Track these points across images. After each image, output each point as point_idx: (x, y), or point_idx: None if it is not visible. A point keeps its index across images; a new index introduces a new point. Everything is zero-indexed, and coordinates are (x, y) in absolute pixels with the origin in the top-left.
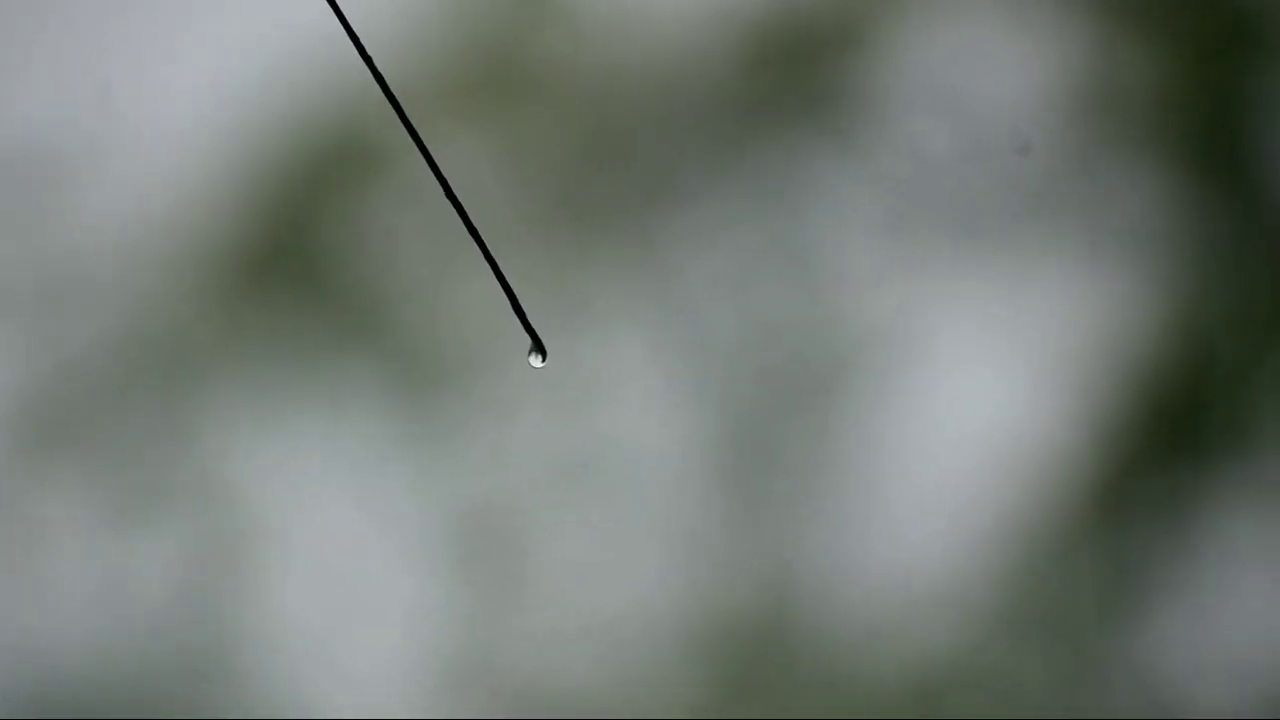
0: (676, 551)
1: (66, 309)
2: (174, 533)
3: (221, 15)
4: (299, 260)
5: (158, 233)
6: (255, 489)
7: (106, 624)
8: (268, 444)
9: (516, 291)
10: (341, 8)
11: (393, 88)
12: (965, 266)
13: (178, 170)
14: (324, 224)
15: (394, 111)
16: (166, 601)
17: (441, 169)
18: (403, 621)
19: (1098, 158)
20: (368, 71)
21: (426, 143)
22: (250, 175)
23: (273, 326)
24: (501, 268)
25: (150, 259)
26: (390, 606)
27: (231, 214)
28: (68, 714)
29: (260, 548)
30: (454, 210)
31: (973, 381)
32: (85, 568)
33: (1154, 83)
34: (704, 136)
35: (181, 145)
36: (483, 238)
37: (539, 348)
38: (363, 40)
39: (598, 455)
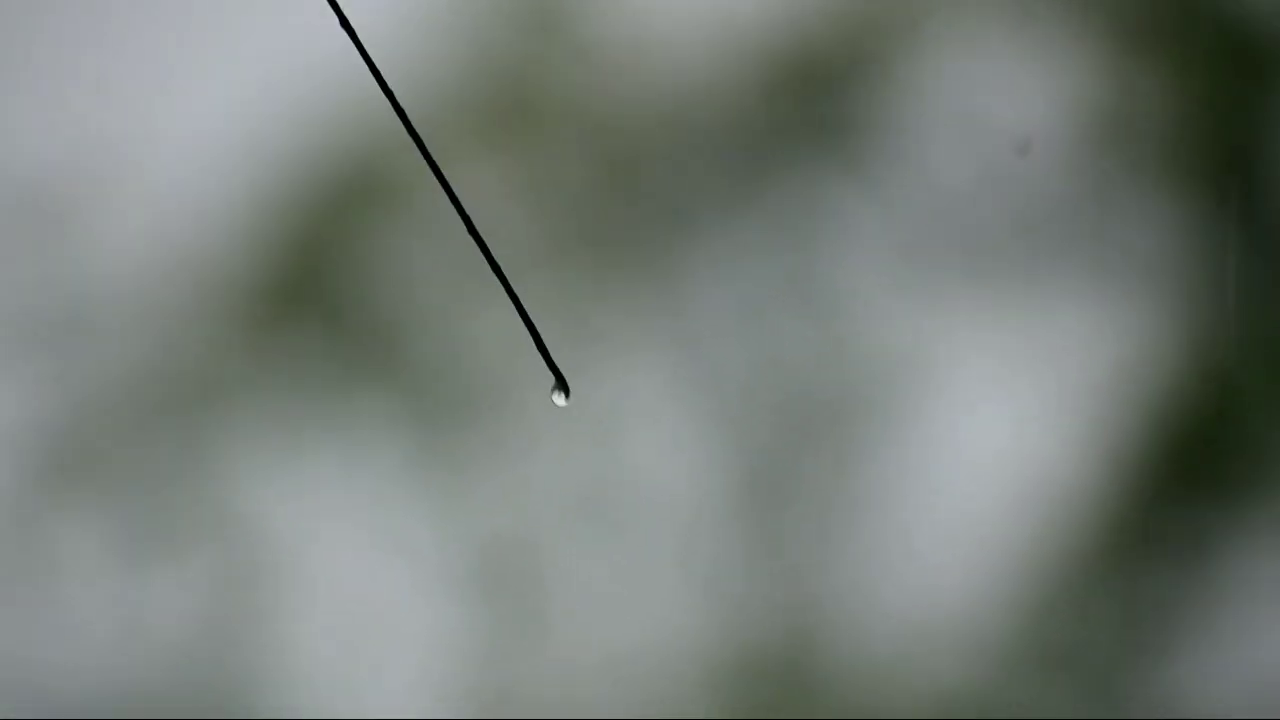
0: (695, 584)
1: (84, 341)
2: (192, 566)
3: (240, 46)
4: (317, 293)
5: (176, 265)
6: (274, 522)
7: (123, 658)
8: (286, 477)
9: (534, 325)
10: (362, 41)
11: (411, 118)
12: (981, 298)
13: (196, 202)
14: (342, 257)
15: (414, 144)
16: (184, 635)
17: (461, 201)
18: (421, 654)
19: (1114, 187)
20: (386, 104)
21: (445, 174)
22: (269, 207)
23: (291, 359)
24: (522, 302)
25: (168, 291)
26: (409, 639)
27: (250, 247)
28: None
29: (278, 581)
30: (473, 243)
31: (990, 414)
32: (103, 601)
33: (1170, 111)
34: (719, 167)
35: (199, 177)
36: (505, 274)
37: (562, 386)
38: (381, 71)
39: (616, 487)
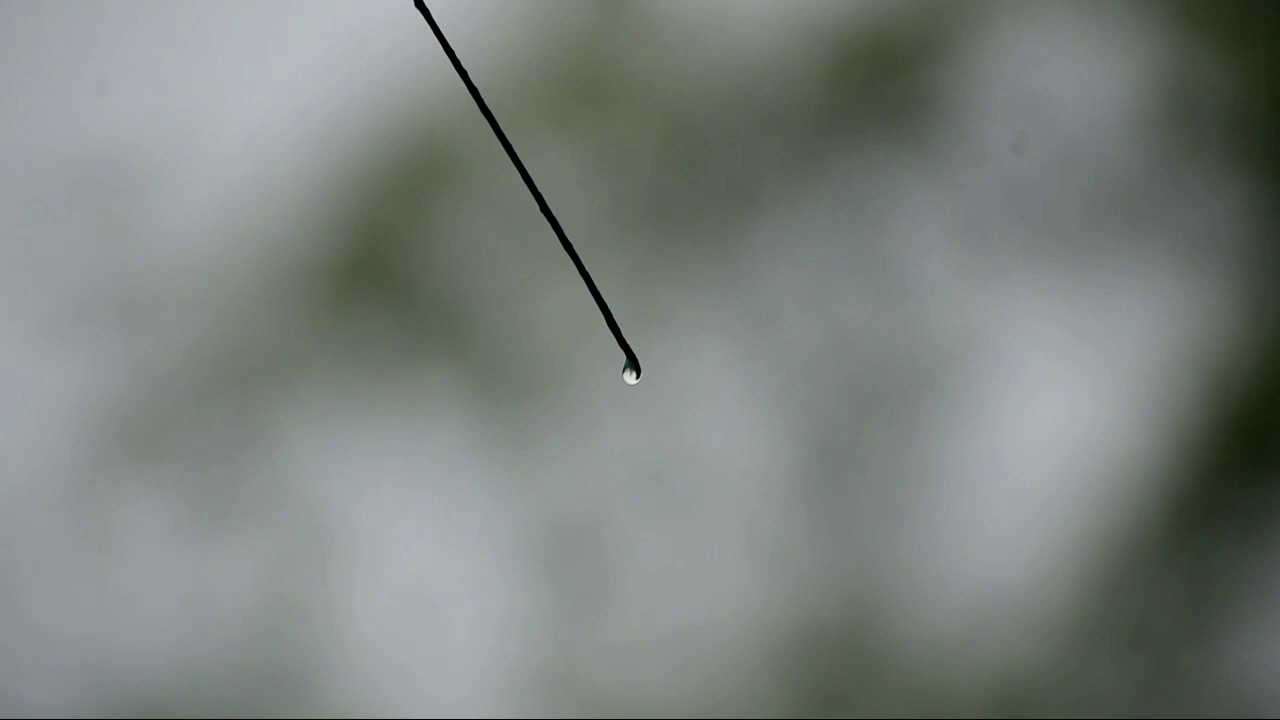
0: (759, 562)
1: (149, 320)
2: (256, 544)
3: (312, 25)
4: (384, 271)
5: (242, 243)
6: (337, 500)
7: (186, 635)
8: (350, 453)
9: (605, 303)
10: (435, 20)
11: (484, 98)
12: (1046, 277)
13: (262, 181)
14: (408, 234)
15: (486, 121)
16: (247, 612)
17: (534, 180)
18: (485, 632)
19: (1179, 166)
20: (457, 82)
21: (517, 153)
22: (335, 185)
23: (357, 337)
24: (594, 281)
25: (234, 270)
26: (470, 617)
27: (316, 225)
28: None
29: (342, 558)
30: (542, 221)
31: (1054, 392)
32: (167, 578)
33: (1237, 92)
34: (785, 147)
35: (267, 155)
36: (576, 252)
37: (634, 364)
38: (455, 52)
39: (680, 465)
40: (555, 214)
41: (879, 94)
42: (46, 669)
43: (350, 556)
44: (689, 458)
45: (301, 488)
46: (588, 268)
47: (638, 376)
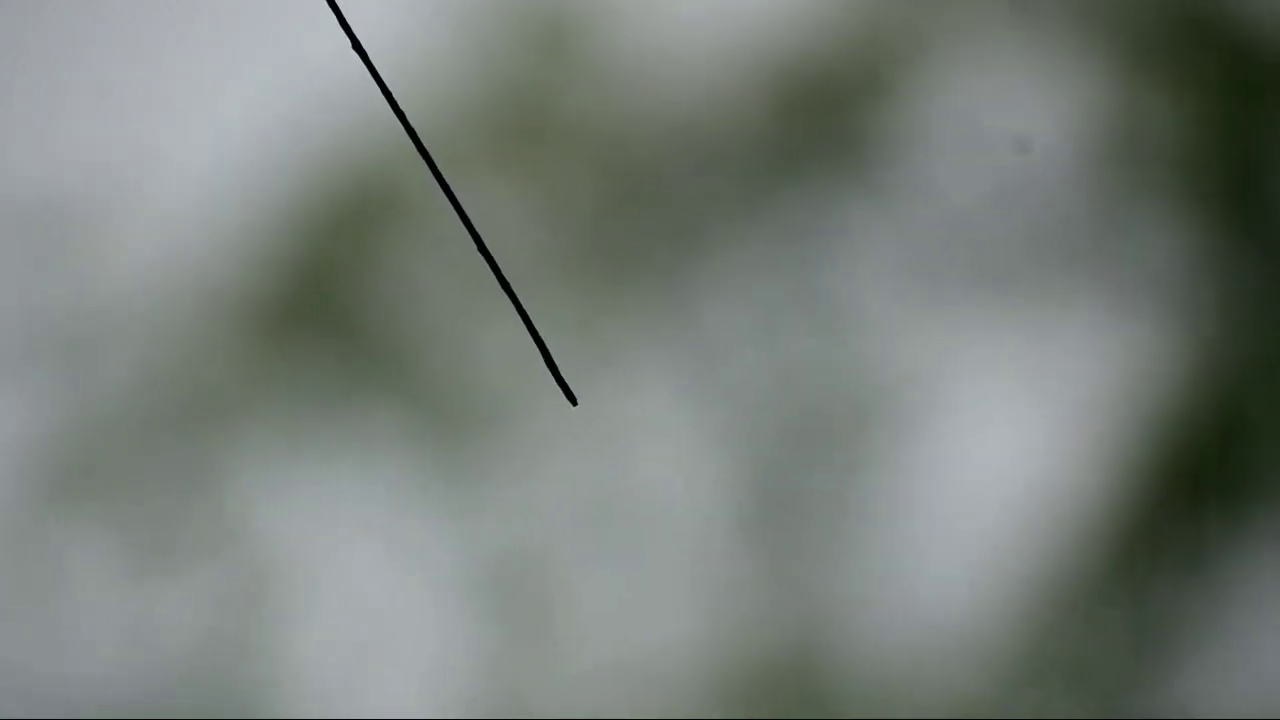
0: (704, 596)
1: (92, 357)
2: (200, 579)
3: (250, 66)
4: (326, 307)
5: (185, 280)
6: (279, 537)
7: (130, 670)
8: (294, 490)
9: (545, 338)
10: (371, 59)
11: (421, 137)
12: (990, 314)
13: (205, 218)
14: (351, 271)
15: (424, 162)
16: (192, 647)
17: (471, 219)
18: (431, 666)
19: (1122, 203)
20: (395, 123)
21: (455, 192)
22: (278, 223)
23: (300, 373)
24: (530, 316)
25: (177, 306)
26: (418, 651)
27: (259, 262)
28: None
29: (287, 593)
30: (482, 258)
31: (998, 429)
32: (110, 613)
33: (1180, 131)
34: (730, 183)
35: (208, 194)
36: (513, 289)
37: (570, 398)
38: (392, 90)
39: (625, 501)
40: (495, 253)
41: (825, 131)
42: None
43: (294, 594)
44: (634, 494)
45: (246, 525)
46: (530, 306)
47: (574, 405)
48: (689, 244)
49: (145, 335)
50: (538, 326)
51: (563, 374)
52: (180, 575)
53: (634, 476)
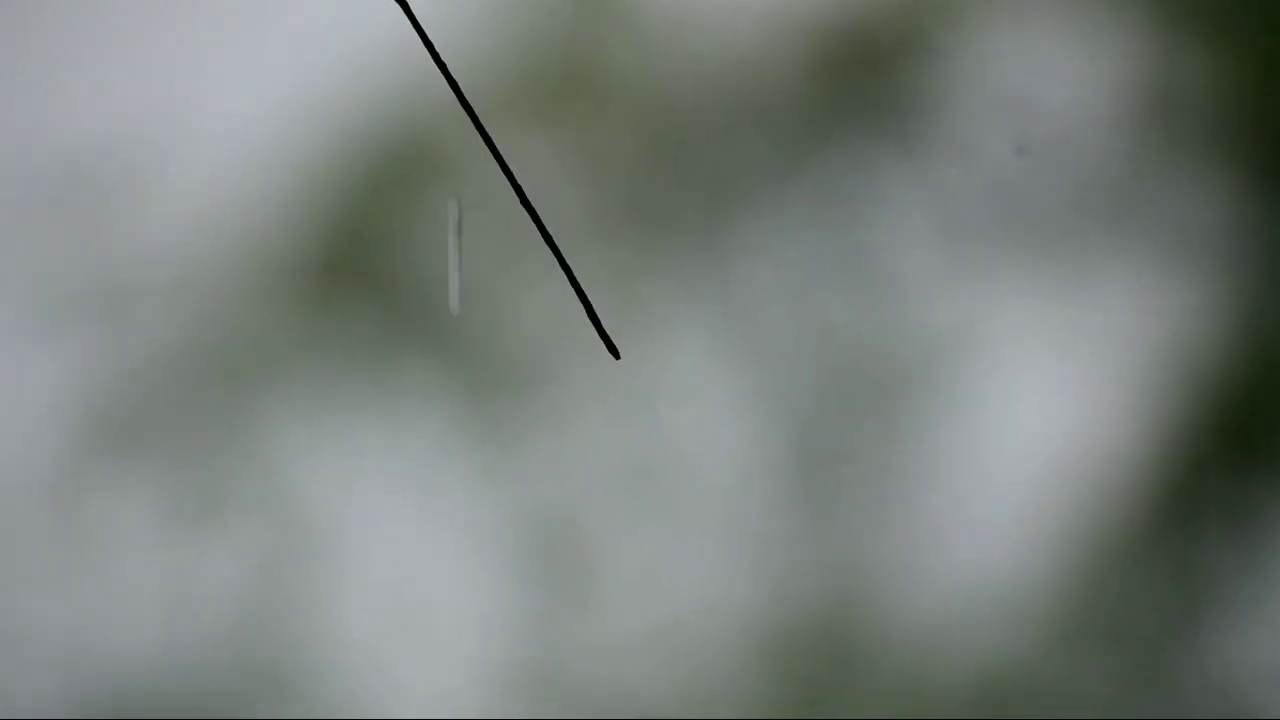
0: (742, 556)
1: (130, 315)
2: (238, 540)
3: (291, 20)
4: (366, 265)
5: (222, 238)
6: (319, 496)
7: (168, 630)
8: (332, 451)
9: (585, 293)
10: (415, 14)
11: (464, 91)
12: (1029, 273)
13: (244, 176)
14: (388, 229)
15: (466, 116)
16: (230, 608)
17: (514, 173)
18: (467, 628)
19: (1163, 162)
20: (438, 76)
21: (498, 146)
22: (317, 180)
23: (337, 333)
24: (573, 270)
25: (215, 265)
26: (454, 613)
27: (299, 220)
28: None
29: (324, 555)
30: (521, 215)
31: (1038, 388)
32: (148, 574)
33: (1219, 88)
34: (768, 142)
35: (248, 150)
36: (556, 244)
37: (613, 352)
38: (435, 44)
39: (663, 461)
40: (536, 209)
41: (862, 91)
42: (29, 666)
43: (334, 553)
44: (671, 454)
45: (285, 484)
46: (569, 261)
47: (617, 359)
48: (727, 203)
49: (185, 294)
50: (577, 279)
51: (605, 328)
52: (222, 535)
53: (672, 436)
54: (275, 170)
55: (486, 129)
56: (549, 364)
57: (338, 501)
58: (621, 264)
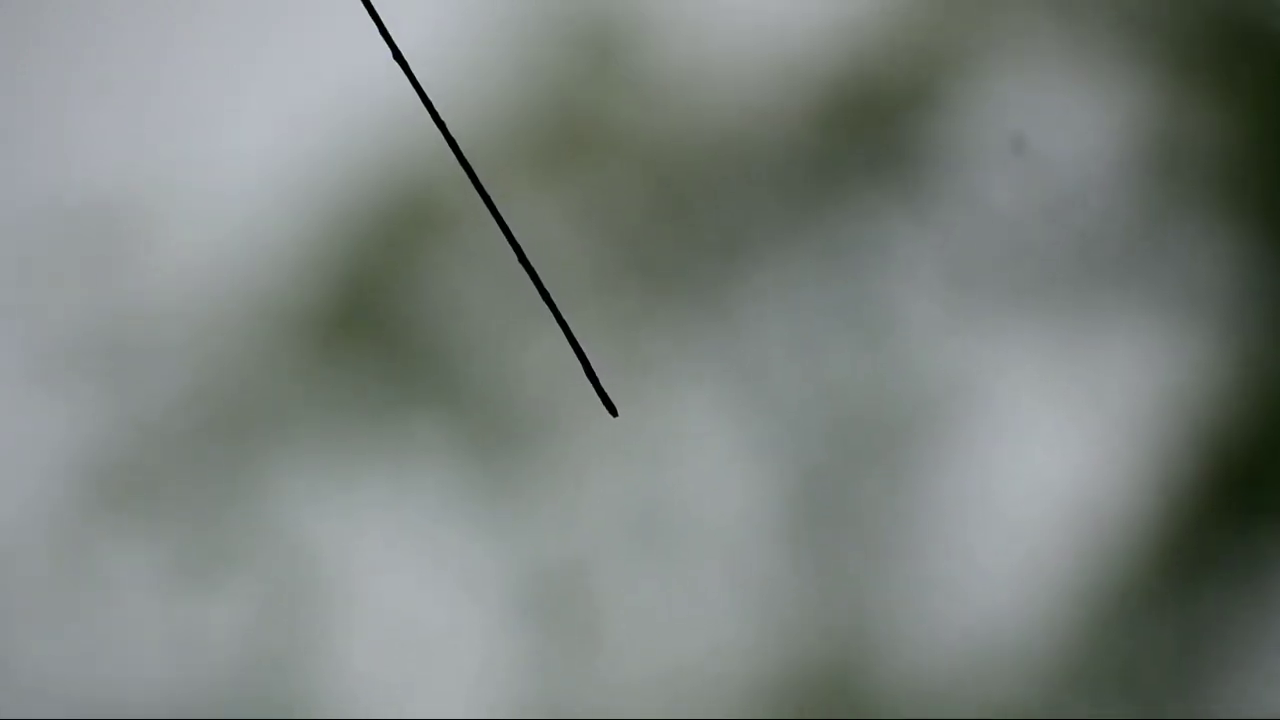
0: (748, 606)
1: (136, 367)
2: (244, 589)
3: (293, 76)
4: (369, 320)
5: (229, 291)
6: (326, 545)
7: (174, 682)
8: (339, 500)
9: (586, 350)
10: (414, 71)
11: (464, 148)
12: (1034, 325)
13: (249, 230)
14: (394, 284)
15: (465, 174)
16: (235, 660)
17: (512, 231)
18: (474, 677)
19: (1168, 214)
20: (438, 133)
21: (497, 204)
22: (321, 235)
23: (343, 385)
24: (572, 328)
25: (221, 317)
26: (459, 664)
27: (303, 274)
28: None
29: (330, 606)
30: (524, 271)
31: (1043, 439)
32: (154, 626)
33: (1225, 140)
34: (772, 196)
35: (253, 204)
36: (553, 300)
37: (610, 409)
38: (434, 102)
39: (668, 512)
40: (538, 265)
41: (868, 142)
42: (35, 714)
43: (339, 604)
44: (677, 504)
45: (290, 535)
46: (571, 318)
47: (614, 416)
48: (732, 256)
49: (189, 346)
50: (579, 338)
51: (604, 385)
52: (225, 585)
53: (677, 487)
54: (280, 225)
55: (486, 187)
56: (554, 417)
57: (342, 553)
58: (626, 318)
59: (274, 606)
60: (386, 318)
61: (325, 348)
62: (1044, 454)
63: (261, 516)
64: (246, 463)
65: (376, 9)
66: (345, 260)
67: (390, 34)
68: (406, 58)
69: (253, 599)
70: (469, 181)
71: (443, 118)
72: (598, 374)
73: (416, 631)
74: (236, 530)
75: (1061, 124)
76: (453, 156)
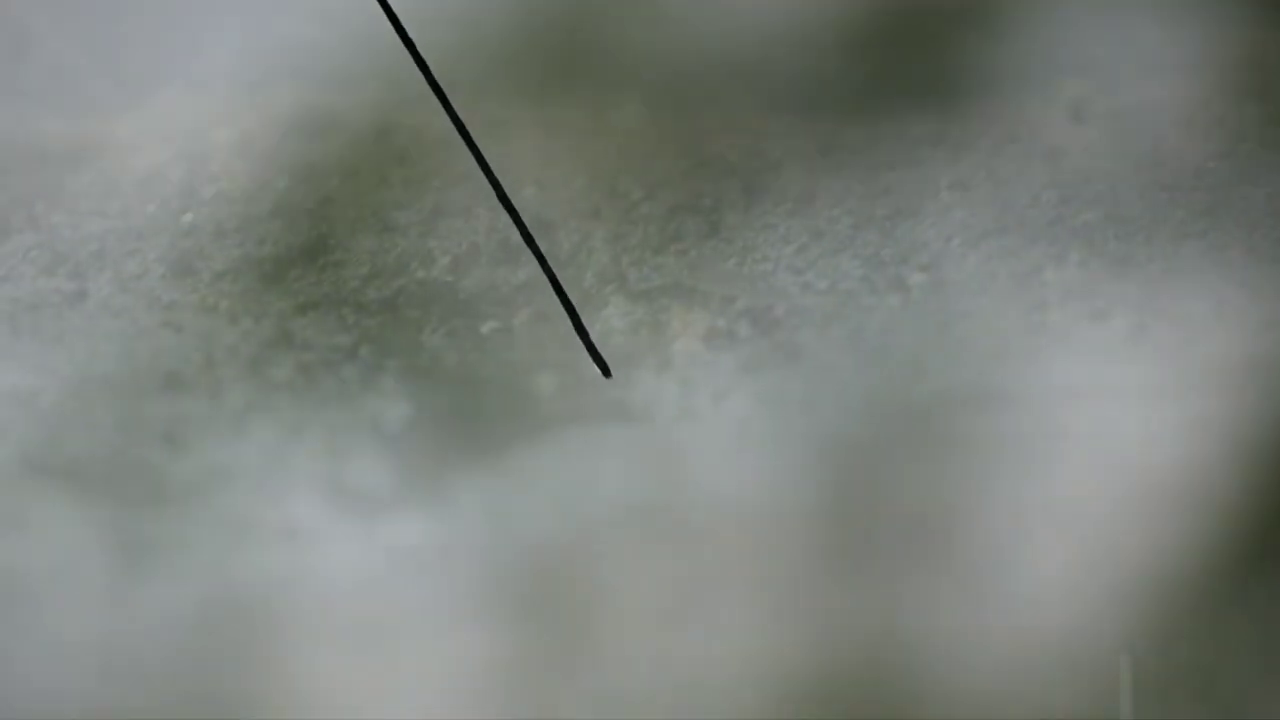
0: (766, 605)
1: (76, 330)
2: (191, 581)
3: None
4: (332, 277)
5: (183, 236)
6: (283, 531)
7: (108, 680)
8: (298, 480)
9: (580, 303)
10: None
11: (445, 79)
12: (1099, 276)
13: (207, 166)
14: (361, 227)
15: (440, 102)
16: (184, 656)
17: (492, 165)
18: (448, 678)
19: (1247, 149)
20: (411, 60)
21: (479, 136)
22: (288, 175)
23: (308, 349)
24: (561, 281)
25: (172, 264)
26: (434, 661)
27: (265, 218)
28: None
29: (289, 600)
30: (518, 231)
31: (1107, 413)
32: (90, 618)
33: None
34: (799, 129)
35: (212, 140)
36: (540, 248)
37: (603, 369)
38: (408, 21)
39: (679, 496)
40: (528, 204)
41: (910, 69)
42: None
43: (299, 597)
44: (689, 488)
45: (242, 518)
46: (572, 266)
47: (608, 377)
48: (752, 199)
49: (135, 299)
50: (575, 288)
51: (597, 344)
52: (167, 577)
53: (684, 463)
54: (243, 164)
55: (459, 115)
56: (541, 380)
57: (307, 539)
58: (629, 268)
59: (225, 600)
60: (351, 278)
61: (287, 300)
62: (1108, 422)
63: (211, 500)
64: (195, 442)
65: None
66: (312, 205)
67: None
68: None
69: (200, 591)
70: (447, 116)
71: (417, 40)
72: (588, 330)
73: (385, 626)
74: (183, 515)
75: (1132, 50)
76: (427, 87)
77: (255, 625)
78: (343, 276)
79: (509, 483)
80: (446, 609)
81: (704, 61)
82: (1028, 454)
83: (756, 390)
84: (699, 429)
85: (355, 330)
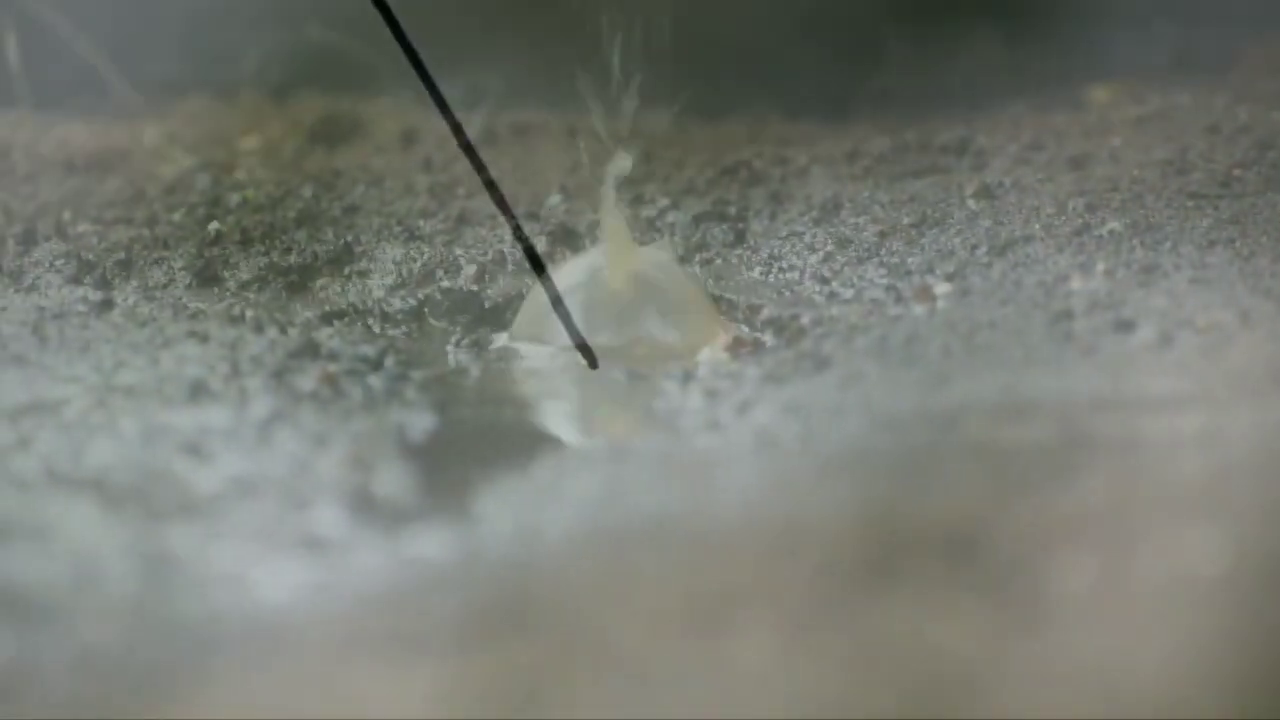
0: (790, 618)
1: (102, 339)
2: (214, 592)
3: None
4: (358, 286)
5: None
6: (307, 541)
7: (132, 693)
8: (323, 490)
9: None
10: None
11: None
12: (1183, 239)
13: (229, 177)
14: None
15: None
16: (200, 666)
17: (452, 110)
18: (478, 693)
19: (1272, 164)
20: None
21: (434, 69)
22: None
23: (333, 358)
24: (529, 236)
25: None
26: (463, 676)
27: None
28: None
29: (313, 610)
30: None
31: (1137, 422)
32: (114, 629)
33: None
34: (824, 137)
35: (236, 148)
36: (503, 196)
37: (588, 360)
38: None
39: (701, 509)
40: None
41: (934, 76)
42: None
43: (333, 605)
44: (714, 498)
45: (274, 526)
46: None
47: (593, 368)
48: (776, 204)
49: (160, 308)
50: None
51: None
52: (195, 583)
53: (695, 485)
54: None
55: (414, 47)
56: (515, 360)
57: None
58: (627, 222)
59: (240, 608)
60: (374, 268)
61: (316, 303)
62: (1136, 439)
63: (232, 502)
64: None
65: None
66: (333, 206)
67: None
68: None
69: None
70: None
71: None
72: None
73: (405, 640)
74: (205, 517)
75: (1159, 57)
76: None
77: (278, 636)
78: (368, 285)
79: (534, 493)
80: (471, 621)
81: (730, 68)
82: (1054, 464)
83: (782, 400)
84: (724, 439)
85: (381, 340)
